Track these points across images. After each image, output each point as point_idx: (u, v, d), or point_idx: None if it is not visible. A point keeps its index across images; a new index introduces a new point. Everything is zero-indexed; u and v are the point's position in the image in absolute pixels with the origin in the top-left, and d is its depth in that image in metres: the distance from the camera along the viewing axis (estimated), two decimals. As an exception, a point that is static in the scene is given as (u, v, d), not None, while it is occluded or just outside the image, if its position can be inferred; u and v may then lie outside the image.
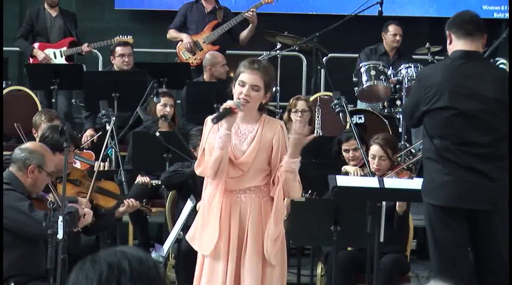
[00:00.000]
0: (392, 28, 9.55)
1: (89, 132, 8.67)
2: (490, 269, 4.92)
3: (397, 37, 9.52)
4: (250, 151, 4.63)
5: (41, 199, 5.23)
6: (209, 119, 4.66)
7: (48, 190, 5.37)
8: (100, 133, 6.51)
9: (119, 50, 9.06)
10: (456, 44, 4.95)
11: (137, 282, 2.07)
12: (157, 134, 6.98)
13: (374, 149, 6.32)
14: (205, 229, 4.67)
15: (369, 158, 6.34)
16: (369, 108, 9.06)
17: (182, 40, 9.63)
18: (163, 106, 7.85)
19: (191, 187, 6.54)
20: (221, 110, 4.60)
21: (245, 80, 4.63)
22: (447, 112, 4.84)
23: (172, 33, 9.79)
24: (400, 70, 8.83)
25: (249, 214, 4.63)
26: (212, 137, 4.62)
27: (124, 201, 5.93)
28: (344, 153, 6.84)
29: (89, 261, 2.12)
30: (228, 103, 4.60)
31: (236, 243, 4.62)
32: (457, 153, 4.83)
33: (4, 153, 6.47)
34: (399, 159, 6.74)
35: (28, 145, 5.31)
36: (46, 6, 9.76)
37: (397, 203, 6.06)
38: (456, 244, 4.91)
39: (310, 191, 6.34)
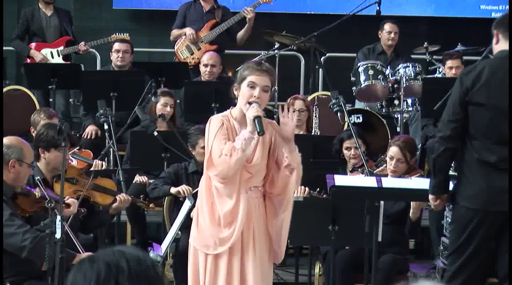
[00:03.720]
0: (387, 26, 9.54)
1: (91, 127, 8.64)
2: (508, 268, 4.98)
3: (392, 35, 9.51)
4: (258, 154, 4.67)
5: (27, 194, 5.23)
6: (215, 120, 4.67)
7: (35, 185, 5.36)
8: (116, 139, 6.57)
9: (115, 46, 9.09)
10: (503, 44, 4.92)
11: (135, 282, 2.07)
12: (155, 133, 6.98)
13: (393, 150, 6.30)
14: (223, 227, 4.65)
15: (387, 159, 6.35)
16: (367, 108, 9.05)
17: (185, 34, 9.60)
18: (163, 105, 7.85)
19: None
20: (255, 120, 4.55)
21: (256, 82, 4.63)
22: (490, 109, 4.85)
23: (174, 33, 9.79)
24: (398, 69, 8.83)
25: (253, 215, 4.67)
26: (220, 138, 4.60)
27: (116, 196, 5.93)
28: (345, 151, 6.85)
29: (87, 260, 2.13)
30: (257, 111, 4.58)
31: (241, 243, 4.66)
32: (496, 153, 4.84)
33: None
34: (414, 161, 6.72)
35: (3, 140, 5.29)
36: (41, 5, 9.74)
37: (411, 209, 6.06)
38: (488, 248, 5.00)
39: (318, 189, 6.33)
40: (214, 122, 4.68)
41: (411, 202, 6.02)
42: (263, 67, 4.69)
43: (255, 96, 4.61)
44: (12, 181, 5.17)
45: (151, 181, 7.19)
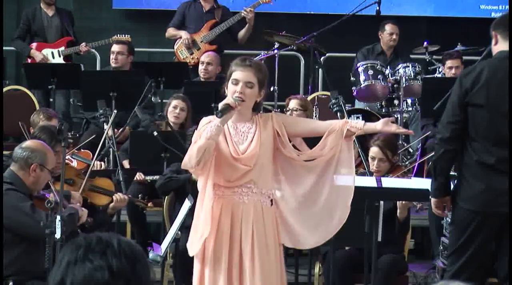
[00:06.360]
0: (388, 27, 9.55)
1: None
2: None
3: (394, 36, 9.52)
4: (254, 145, 4.62)
5: (42, 198, 5.25)
6: (204, 119, 4.67)
7: (48, 188, 5.38)
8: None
9: (112, 47, 9.12)
10: (503, 45, 4.91)
11: (122, 259, 2.15)
12: (155, 133, 6.98)
13: (374, 150, 6.30)
14: (197, 228, 4.66)
15: (369, 159, 6.33)
16: (367, 108, 9.05)
17: (180, 37, 9.63)
18: (173, 108, 7.78)
19: (188, 188, 6.53)
20: (221, 106, 4.57)
21: (238, 78, 4.61)
22: (489, 111, 4.84)
23: (170, 31, 9.80)
24: (398, 69, 8.83)
25: (252, 217, 4.63)
26: (199, 133, 4.61)
27: (113, 196, 5.93)
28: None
29: (83, 236, 2.25)
30: (228, 101, 4.58)
31: (229, 244, 4.62)
32: (495, 154, 4.84)
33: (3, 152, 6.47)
34: (396, 158, 6.73)
35: (29, 143, 5.32)
36: (42, 5, 9.75)
37: (398, 209, 6.05)
38: (488, 249, 5.01)
39: None
40: (202, 121, 4.69)
41: (397, 202, 6.00)
42: (246, 63, 4.64)
43: (237, 91, 4.58)
44: (31, 185, 5.20)
45: (148, 178, 7.22)
